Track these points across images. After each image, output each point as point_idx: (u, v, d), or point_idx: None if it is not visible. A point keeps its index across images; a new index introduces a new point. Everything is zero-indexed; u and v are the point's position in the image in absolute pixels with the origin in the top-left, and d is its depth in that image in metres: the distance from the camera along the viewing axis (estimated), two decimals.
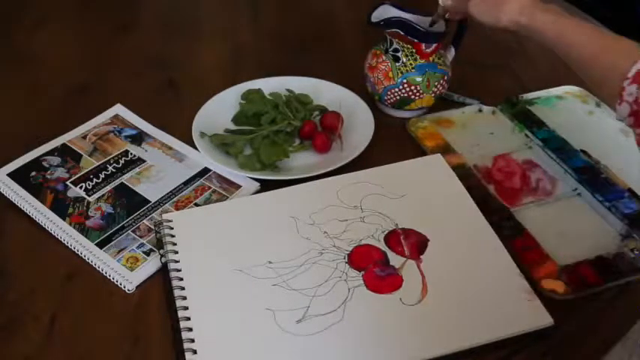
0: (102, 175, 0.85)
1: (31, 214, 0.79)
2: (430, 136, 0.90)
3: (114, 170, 0.86)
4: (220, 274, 0.71)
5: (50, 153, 0.88)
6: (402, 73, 0.91)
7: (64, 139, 0.90)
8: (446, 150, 0.87)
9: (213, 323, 0.66)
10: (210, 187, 0.84)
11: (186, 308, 0.67)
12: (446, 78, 0.93)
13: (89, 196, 0.82)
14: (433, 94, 0.93)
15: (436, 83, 0.92)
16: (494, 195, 0.81)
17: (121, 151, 0.89)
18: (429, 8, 0.90)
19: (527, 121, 0.92)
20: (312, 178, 0.83)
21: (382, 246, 0.74)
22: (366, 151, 0.87)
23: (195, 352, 0.63)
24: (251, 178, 0.84)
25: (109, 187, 0.83)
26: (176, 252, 0.73)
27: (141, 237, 0.77)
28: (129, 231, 0.77)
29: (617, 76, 0.63)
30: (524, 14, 0.73)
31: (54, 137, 0.90)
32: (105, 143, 0.90)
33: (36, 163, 0.86)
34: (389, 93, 0.92)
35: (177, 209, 0.80)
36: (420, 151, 0.89)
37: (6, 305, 0.70)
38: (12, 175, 0.84)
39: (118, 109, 0.96)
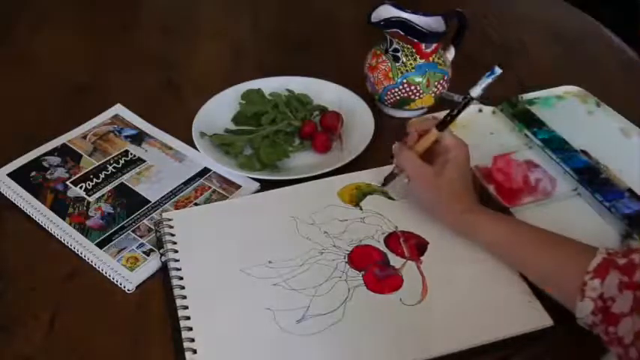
0: (102, 175, 0.85)
1: (31, 214, 0.79)
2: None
3: (114, 170, 0.86)
4: (220, 273, 0.71)
5: (50, 153, 0.88)
6: (402, 73, 0.91)
7: (64, 139, 0.90)
8: None
9: (213, 323, 0.66)
10: (210, 187, 0.84)
11: (186, 308, 0.67)
12: (446, 78, 0.93)
13: (89, 196, 0.82)
14: (433, 94, 0.93)
15: (436, 83, 0.92)
16: (494, 195, 0.81)
17: (121, 151, 0.89)
18: (429, 8, 0.90)
19: (528, 121, 0.92)
20: (312, 178, 0.82)
21: (382, 247, 0.74)
22: (366, 151, 0.87)
23: (195, 352, 0.63)
24: (251, 178, 0.84)
25: (109, 187, 0.83)
26: (176, 252, 0.73)
27: (141, 237, 0.77)
28: (129, 231, 0.77)
29: (574, 273, 0.60)
30: (452, 218, 0.72)
31: (54, 137, 0.90)
32: (105, 143, 0.90)
33: (36, 163, 0.86)
34: (389, 93, 0.92)
35: (177, 209, 0.80)
36: None
37: (6, 305, 0.70)
38: (12, 175, 0.84)
39: (118, 109, 0.96)
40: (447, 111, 0.75)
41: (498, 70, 0.71)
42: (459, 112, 0.74)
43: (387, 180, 0.79)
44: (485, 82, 0.72)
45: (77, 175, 0.85)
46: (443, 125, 0.74)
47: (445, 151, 0.73)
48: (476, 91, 0.73)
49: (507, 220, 0.72)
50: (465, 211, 0.71)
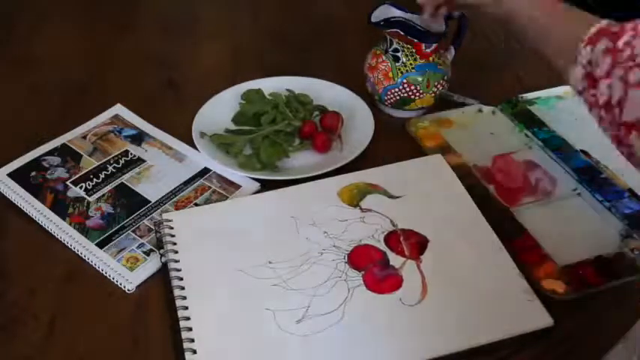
0: (102, 175, 0.85)
1: (31, 214, 0.79)
2: (430, 136, 0.90)
3: (114, 170, 0.86)
4: (220, 274, 0.71)
5: (50, 153, 0.88)
6: (402, 73, 0.91)
7: (64, 139, 0.90)
8: (446, 150, 0.87)
9: (213, 323, 0.66)
10: (210, 187, 0.84)
11: (186, 308, 0.67)
12: (446, 78, 0.93)
13: (89, 196, 0.82)
14: (433, 94, 0.93)
15: (436, 83, 0.92)
16: (494, 195, 0.81)
17: (121, 151, 0.89)
18: None
19: (528, 121, 0.92)
20: (312, 178, 0.82)
21: (382, 246, 0.74)
22: (366, 151, 0.87)
23: (195, 352, 0.63)
24: (251, 178, 0.84)
25: (109, 187, 0.83)
26: (176, 252, 0.73)
27: (141, 237, 0.77)
28: (129, 231, 0.77)
29: (573, 43, 0.62)
30: None
31: (54, 137, 0.90)
32: (105, 143, 0.90)
33: (36, 163, 0.86)
34: (389, 93, 0.92)
35: (177, 209, 0.80)
36: (420, 151, 0.89)
37: (6, 305, 0.70)
38: (12, 175, 0.84)
39: (118, 109, 0.96)
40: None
41: None
42: None
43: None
44: None
45: (77, 175, 0.85)
46: None
47: None
48: None
49: None
50: None
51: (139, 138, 0.91)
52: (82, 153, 0.88)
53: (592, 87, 0.59)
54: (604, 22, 0.62)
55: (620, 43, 0.57)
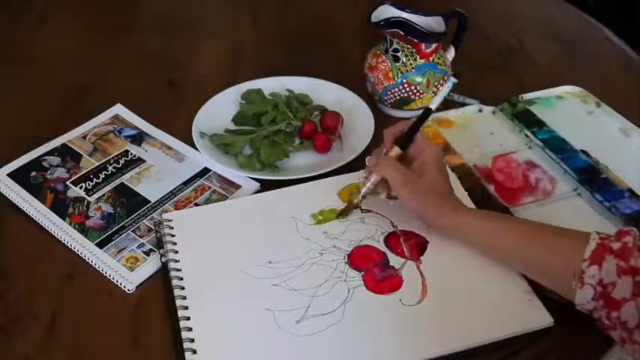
0: (102, 175, 0.85)
1: (31, 214, 0.79)
2: (430, 136, 0.90)
3: (114, 170, 0.86)
4: (220, 274, 0.71)
5: (50, 153, 0.88)
6: (402, 73, 0.91)
7: (64, 139, 0.90)
8: (446, 150, 0.87)
9: (213, 323, 0.66)
10: (210, 187, 0.84)
11: (186, 308, 0.67)
12: (446, 78, 0.93)
13: (89, 196, 0.82)
14: (433, 94, 0.92)
15: (436, 83, 0.92)
16: (494, 195, 0.81)
17: (121, 151, 0.89)
18: (429, 8, 0.90)
19: (528, 121, 0.92)
20: (312, 178, 0.83)
21: (382, 247, 0.74)
22: (366, 151, 0.87)
23: (195, 352, 0.63)
24: (251, 178, 0.84)
25: (109, 187, 0.83)
26: (176, 252, 0.73)
27: (141, 237, 0.77)
28: (129, 231, 0.77)
29: (570, 261, 0.60)
30: (443, 217, 0.70)
31: (54, 137, 0.90)
32: (105, 143, 0.90)
33: (36, 163, 0.86)
34: (389, 93, 0.92)
35: (177, 209, 0.80)
36: None
37: (6, 305, 0.70)
38: (12, 175, 0.84)
39: (118, 109, 0.96)
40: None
41: (454, 80, 0.75)
42: (419, 125, 0.74)
43: (348, 209, 0.76)
44: (444, 92, 0.76)
45: (77, 175, 0.85)
46: (405, 141, 0.74)
47: (420, 153, 0.73)
48: (435, 103, 0.75)
49: (494, 215, 0.71)
50: (455, 211, 0.70)
51: (139, 138, 0.91)
52: (82, 153, 0.88)
53: (612, 309, 0.58)
54: (595, 236, 0.60)
55: (634, 262, 0.57)
